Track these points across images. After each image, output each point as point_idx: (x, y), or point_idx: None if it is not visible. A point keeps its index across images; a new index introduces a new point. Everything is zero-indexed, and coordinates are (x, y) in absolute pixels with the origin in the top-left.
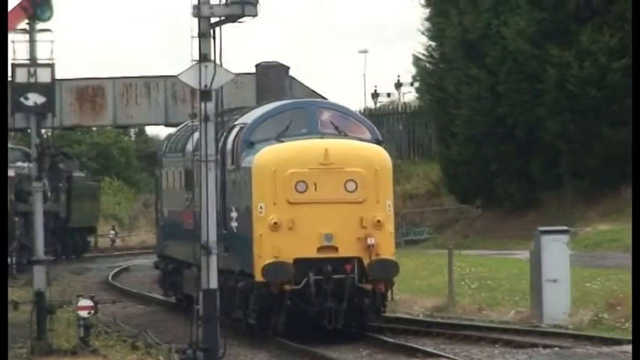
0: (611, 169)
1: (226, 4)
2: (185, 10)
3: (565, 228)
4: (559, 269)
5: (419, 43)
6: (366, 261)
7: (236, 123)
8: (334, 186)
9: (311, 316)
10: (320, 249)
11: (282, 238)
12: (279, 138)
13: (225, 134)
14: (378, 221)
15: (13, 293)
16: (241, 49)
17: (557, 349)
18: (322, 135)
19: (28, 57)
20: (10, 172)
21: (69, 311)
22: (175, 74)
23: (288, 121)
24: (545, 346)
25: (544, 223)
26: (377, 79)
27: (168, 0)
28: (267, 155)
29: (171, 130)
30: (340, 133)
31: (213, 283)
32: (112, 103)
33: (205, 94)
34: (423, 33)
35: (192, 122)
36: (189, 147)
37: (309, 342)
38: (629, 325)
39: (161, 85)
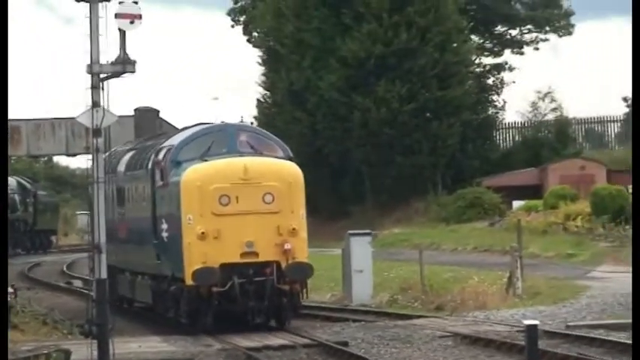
0: (402, 187)
1: (112, 64)
2: (82, 68)
3: (368, 231)
4: (364, 262)
5: (257, 92)
6: (283, 264)
7: (163, 145)
8: (253, 198)
9: (236, 315)
10: (243, 254)
11: (209, 246)
12: (203, 157)
13: (154, 155)
14: (293, 229)
15: None
16: (123, 96)
17: (363, 322)
18: (241, 154)
19: None
20: None
21: None
22: (74, 116)
23: (210, 142)
24: (354, 320)
25: (352, 227)
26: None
27: (68, 61)
28: (193, 172)
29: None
30: (257, 151)
31: (103, 274)
32: (26, 138)
33: (96, 132)
34: (259, 85)
35: (120, 148)
36: (121, 169)
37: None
38: (417, 304)
39: (63, 125)
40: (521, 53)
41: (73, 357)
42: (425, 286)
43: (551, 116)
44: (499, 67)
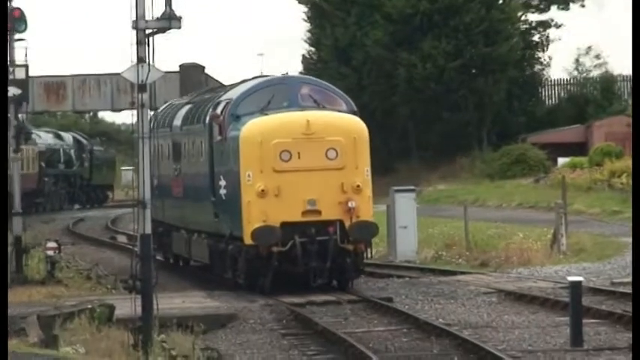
0: (448, 143)
1: (157, 20)
2: (127, 25)
3: (412, 187)
4: (408, 218)
5: (302, 48)
6: (347, 223)
7: (222, 99)
8: (316, 154)
9: (296, 275)
10: (304, 213)
11: (269, 204)
12: (263, 111)
13: (211, 109)
14: (358, 186)
15: None
16: (169, 52)
17: (407, 278)
18: (303, 108)
19: (8, 59)
20: (41, 147)
21: (39, 251)
22: (119, 72)
23: (270, 95)
24: (399, 277)
25: (398, 183)
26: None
27: (114, 17)
28: (253, 127)
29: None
30: (319, 105)
31: (148, 230)
32: (72, 94)
33: (142, 87)
34: (305, 41)
35: (177, 102)
36: (177, 122)
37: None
38: (461, 260)
39: (108, 81)
40: (567, 9)
41: (117, 311)
42: (469, 242)
43: (596, 73)
44: (545, 24)
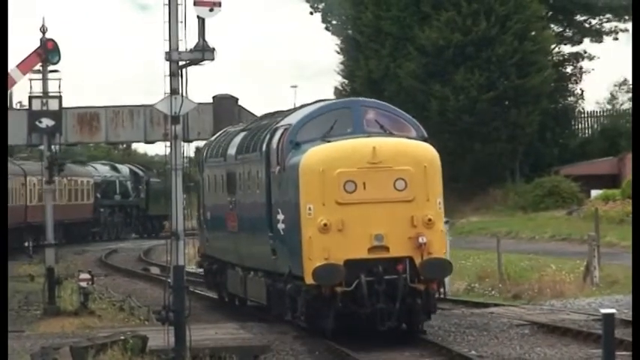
0: (480, 175)
1: (191, 51)
2: (159, 56)
3: (446, 219)
4: None
5: (335, 80)
6: (417, 260)
7: (280, 124)
8: (383, 185)
9: (363, 318)
10: (371, 249)
11: (332, 240)
12: (325, 138)
13: (269, 136)
14: (429, 219)
15: (31, 269)
16: (202, 84)
17: (440, 310)
18: (369, 134)
19: (41, 90)
20: (97, 179)
21: (72, 282)
22: (152, 104)
23: (333, 120)
24: None
25: None
26: None
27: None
28: (314, 155)
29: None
30: (386, 131)
31: (181, 261)
32: (105, 125)
33: (175, 119)
34: (338, 73)
35: (232, 129)
36: (231, 152)
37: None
38: (494, 292)
39: (141, 112)
40: (600, 42)
41: (150, 343)
42: (502, 274)
43: (629, 105)
44: (578, 56)
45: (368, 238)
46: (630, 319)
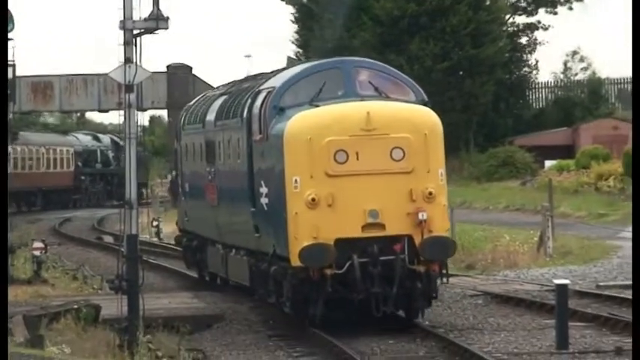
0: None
1: (145, 20)
2: (114, 25)
3: None
4: None
5: (289, 50)
6: (417, 239)
7: (262, 87)
8: (379, 155)
9: (355, 303)
10: (365, 227)
11: (321, 216)
12: (313, 102)
13: (250, 100)
14: (430, 193)
15: None
16: (156, 53)
17: None
18: (362, 97)
19: None
20: (78, 148)
21: (25, 251)
22: (106, 72)
23: (321, 82)
24: None
25: None
26: None
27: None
28: (300, 122)
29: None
30: (381, 94)
31: (134, 230)
32: (59, 94)
33: (129, 88)
34: (292, 42)
35: (211, 93)
36: (210, 117)
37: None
38: (448, 262)
39: (95, 81)
40: (555, 13)
41: (103, 312)
42: (456, 244)
43: (582, 76)
44: (532, 27)
45: (361, 214)
46: (585, 290)
